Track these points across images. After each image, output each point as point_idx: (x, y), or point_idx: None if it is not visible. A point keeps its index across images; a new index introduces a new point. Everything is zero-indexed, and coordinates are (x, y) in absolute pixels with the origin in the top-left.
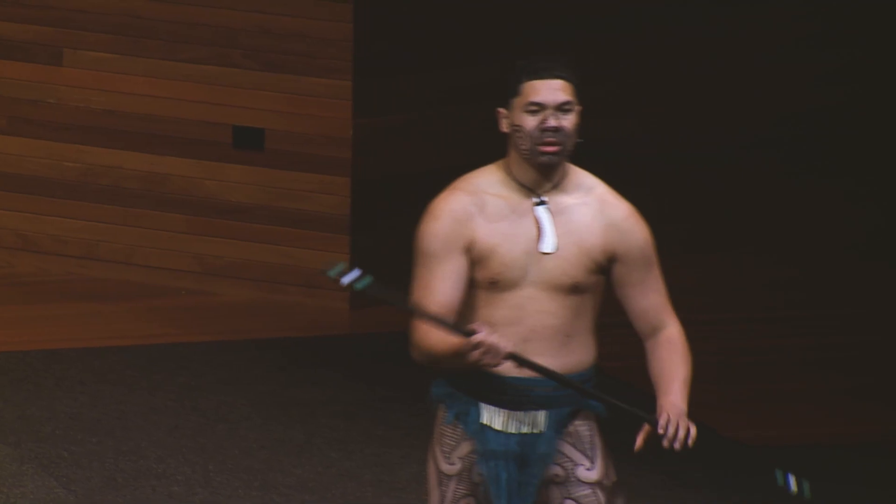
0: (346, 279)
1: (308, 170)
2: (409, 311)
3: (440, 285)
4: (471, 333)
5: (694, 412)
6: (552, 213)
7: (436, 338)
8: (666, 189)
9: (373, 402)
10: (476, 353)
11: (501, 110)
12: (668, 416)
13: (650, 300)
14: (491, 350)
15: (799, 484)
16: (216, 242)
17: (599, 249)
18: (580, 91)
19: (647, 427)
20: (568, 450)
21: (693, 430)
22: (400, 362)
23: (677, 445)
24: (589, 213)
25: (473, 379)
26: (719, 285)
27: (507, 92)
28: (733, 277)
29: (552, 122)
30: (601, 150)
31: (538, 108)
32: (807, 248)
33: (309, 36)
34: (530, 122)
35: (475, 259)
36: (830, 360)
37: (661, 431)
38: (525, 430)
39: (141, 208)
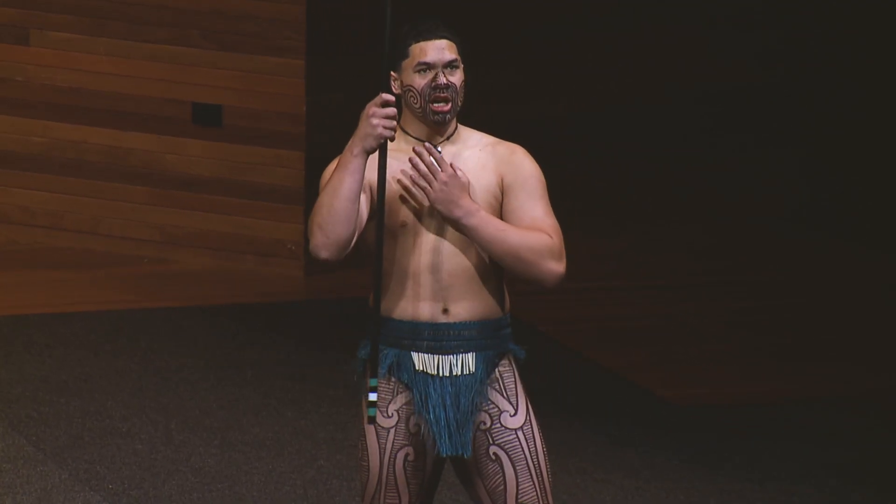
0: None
1: (264, 144)
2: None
3: None
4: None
5: (627, 374)
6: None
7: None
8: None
9: (325, 365)
10: (375, 114)
11: (393, 73)
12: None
13: (526, 224)
14: (385, 116)
15: None
16: (176, 213)
17: (496, 184)
18: (463, 50)
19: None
20: (494, 396)
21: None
22: (351, 326)
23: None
24: (483, 157)
25: (402, 331)
26: (647, 255)
27: (396, 55)
28: (660, 247)
29: (442, 80)
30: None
31: (427, 67)
32: (726, 219)
33: (263, 17)
34: (421, 81)
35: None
36: (751, 322)
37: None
38: (457, 371)
39: (104, 181)
